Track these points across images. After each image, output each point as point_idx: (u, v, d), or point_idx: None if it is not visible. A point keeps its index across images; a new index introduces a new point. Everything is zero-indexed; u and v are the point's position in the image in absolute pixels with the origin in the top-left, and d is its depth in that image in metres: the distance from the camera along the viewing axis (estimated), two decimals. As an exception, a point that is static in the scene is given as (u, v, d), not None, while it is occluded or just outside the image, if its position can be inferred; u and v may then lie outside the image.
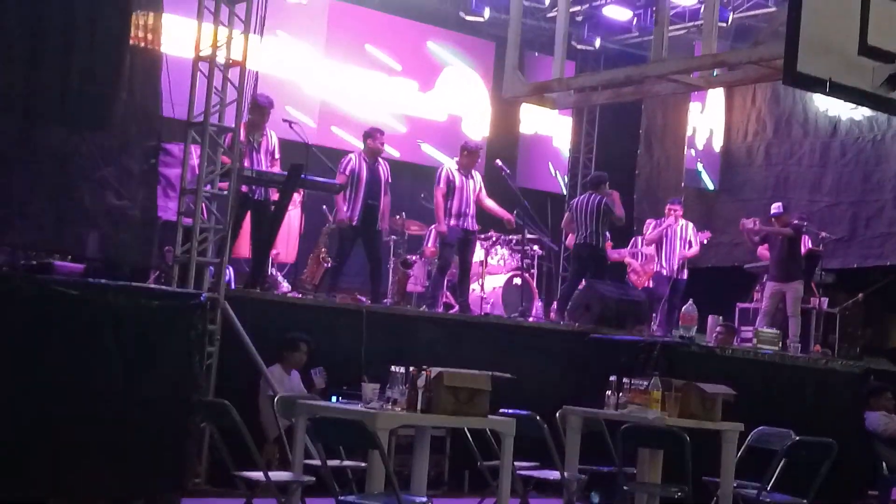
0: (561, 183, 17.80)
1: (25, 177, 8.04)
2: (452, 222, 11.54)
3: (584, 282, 12.02)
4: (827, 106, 15.43)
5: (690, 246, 13.74)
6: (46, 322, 6.99)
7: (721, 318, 12.91)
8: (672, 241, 13.62)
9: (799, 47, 5.93)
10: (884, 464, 9.32)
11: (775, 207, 13.07)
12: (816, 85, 6.16)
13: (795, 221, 13.06)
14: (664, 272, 13.59)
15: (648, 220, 14.11)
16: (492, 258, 13.04)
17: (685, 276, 13.69)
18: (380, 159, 11.38)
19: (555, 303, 13.53)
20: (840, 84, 6.12)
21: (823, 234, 14.08)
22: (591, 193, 12.54)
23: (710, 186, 17.03)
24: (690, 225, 13.95)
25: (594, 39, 16.85)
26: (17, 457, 6.85)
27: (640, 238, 14.54)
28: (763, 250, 13.72)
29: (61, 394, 6.98)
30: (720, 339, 11.82)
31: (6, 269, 7.52)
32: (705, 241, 14.46)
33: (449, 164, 11.84)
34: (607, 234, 13.98)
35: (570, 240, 13.07)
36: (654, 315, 13.05)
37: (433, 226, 12.16)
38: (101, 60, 8.29)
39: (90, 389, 7.07)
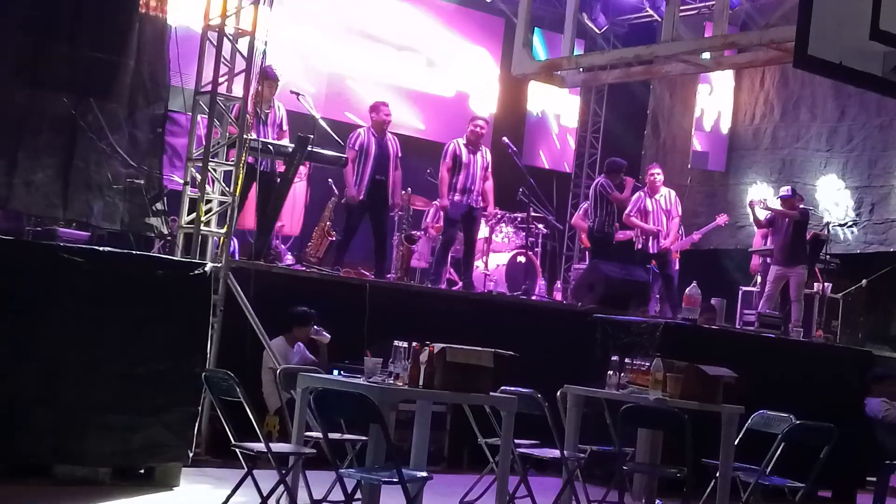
0: (566, 162, 17.75)
1: (32, 144, 8.05)
2: (457, 198, 11.51)
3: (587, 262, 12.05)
4: (835, 90, 15.38)
5: (671, 217, 12.93)
6: (51, 289, 7.00)
7: (724, 301, 12.90)
8: (657, 214, 12.89)
9: (810, 31, 5.90)
10: (883, 450, 9.34)
11: (784, 190, 13.02)
12: (826, 69, 6.13)
13: (801, 206, 13.03)
14: (649, 250, 12.95)
15: (638, 195, 13.05)
16: (496, 236, 13.04)
17: (663, 249, 12.93)
18: (389, 134, 11.37)
19: (558, 282, 13.52)
20: (850, 69, 6.09)
21: (828, 218, 14.08)
22: (597, 179, 12.56)
23: (716, 168, 17.00)
24: (673, 193, 13.17)
25: (604, 18, 16.78)
26: (22, 423, 6.89)
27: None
28: (758, 237, 13.68)
29: (65, 361, 7.01)
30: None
31: (12, 236, 7.52)
32: (724, 224, 14.34)
33: (458, 140, 11.81)
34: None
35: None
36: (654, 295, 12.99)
37: (435, 201, 12.15)
38: (110, 28, 8.29)
39: (93, 357, 7.09)
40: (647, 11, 16.60)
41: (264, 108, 10.31)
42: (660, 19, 14.15)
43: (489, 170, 11.74)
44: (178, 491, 7.35)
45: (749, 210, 13.26)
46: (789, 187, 13.23)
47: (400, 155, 11.39)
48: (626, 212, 12.89)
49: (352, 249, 11.45)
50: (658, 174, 13.14)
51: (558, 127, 17.59)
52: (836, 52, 6.00)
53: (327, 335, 8.75)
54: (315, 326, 8.72)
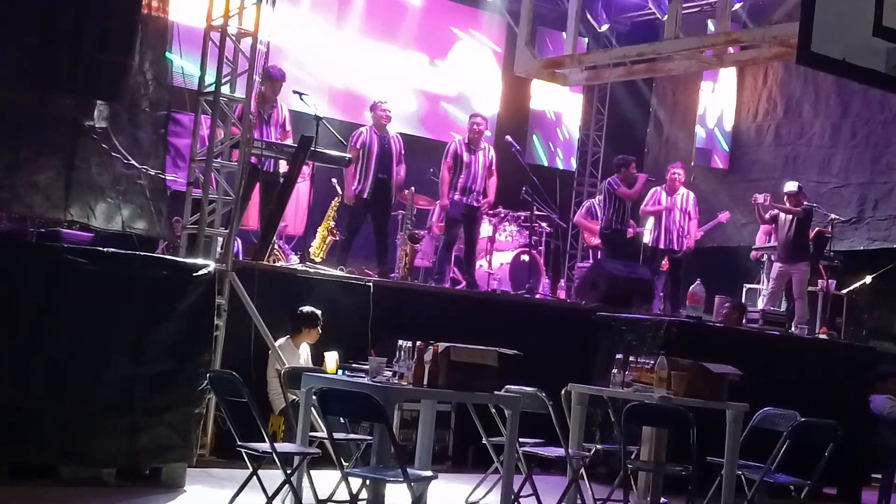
0: (571, 160, 17.73)
1: (35, 145, 8.05)
2: (457, 197, 11.52)
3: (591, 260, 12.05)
4: (839, 87, 15.35)
5: (690, 218, 13.07)
6: (55, 291, 7.01)
7: (729, 298, 12.86)
8: (671, 213, 12.96)
9: (813, 27, 5.91)
10: (887, 447, 9.32)
11: (791, 186, 12.98)
12: (830, 65, 6.13)
13: (805, 203, 13.00)
14: (660, 245, 13.00)
15: (654, 190, 13.23)
16: (500, 234, 13.02)
17: (685, 250, 13.07)
18: (392, 132, 11.38)
19: (562, 280, 13.48)
20: (854, 65, 6.09)
21: (832, 215, 14.03)
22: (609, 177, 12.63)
23: (719, 166, 16.99)
24: (691, 195, 13.30)
25: (606, 17, 16.76)
26: (27, 424, 6.91)
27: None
28: (762, 234, 13.65)
29: (70, 362, 7.02)
30: (727, 316, 11.65)
31: (16, 238, 7.52)
32: (726, 221, 14.32)
33: (458, 139, 11.83)
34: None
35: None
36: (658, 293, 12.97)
37: (438, 201, 12.17)
38: (114, 29, 8.28)
39: (98, 358, 7.11)
40: (649, 9, 16.55)
41: (267, 109, 10.32)
42: (662, 17, 14.12)
43: (493, 167, 11.73)
44: (184, 491, 7.36)
45: (753, 206, 13.24)
46: (796, 183, 13.19)
47: (403, 153, 11.41)
48: (642, 206, 13.07)
49: (355, 249, 11.45)
50: (679, 173, 13.22)
51: (561, 125, 17.57)
52: (840, 48, 6.00)
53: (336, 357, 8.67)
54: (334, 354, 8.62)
